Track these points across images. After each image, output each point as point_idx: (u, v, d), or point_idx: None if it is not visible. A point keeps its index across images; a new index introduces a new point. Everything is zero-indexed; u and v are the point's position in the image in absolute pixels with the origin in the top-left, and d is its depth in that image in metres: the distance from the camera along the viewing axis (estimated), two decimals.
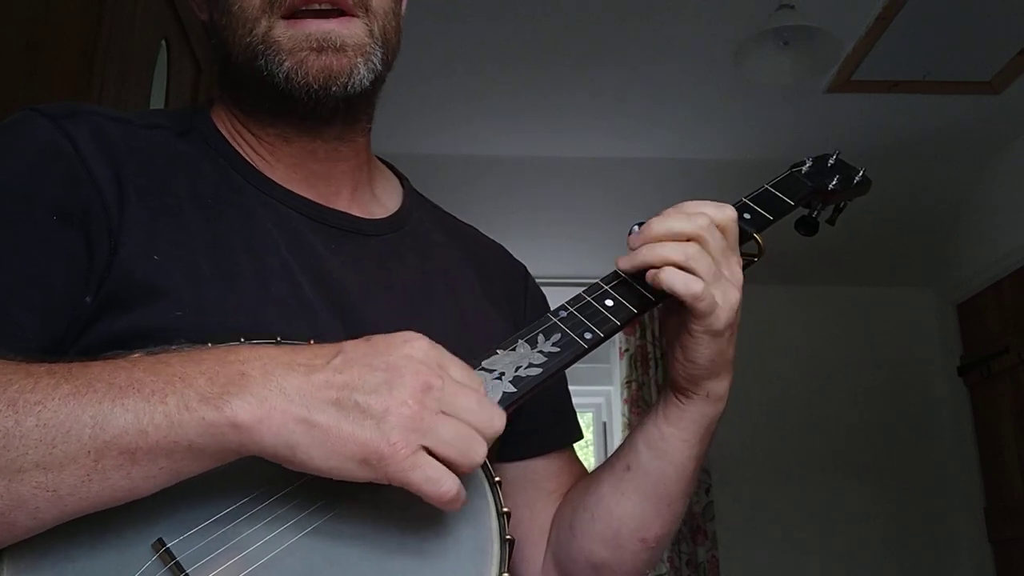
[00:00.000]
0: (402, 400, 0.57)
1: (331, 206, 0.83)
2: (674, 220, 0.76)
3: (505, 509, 0.65)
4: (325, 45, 0.76)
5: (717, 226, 0.76)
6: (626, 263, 0.76)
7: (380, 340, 0.61)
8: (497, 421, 0.60)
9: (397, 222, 0.88)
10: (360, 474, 0.56)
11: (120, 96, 1.73)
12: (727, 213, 0.78)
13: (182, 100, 2.08)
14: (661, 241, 0.75)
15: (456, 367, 0.61)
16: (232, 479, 0.61)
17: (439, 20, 2.89)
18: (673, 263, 0.73)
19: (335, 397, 0.57)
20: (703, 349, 0.77)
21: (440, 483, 0.56)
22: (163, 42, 1.99)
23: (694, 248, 0.74)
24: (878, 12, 2.86)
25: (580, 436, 0.97)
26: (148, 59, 1.91)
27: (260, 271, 0.74)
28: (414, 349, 0.60)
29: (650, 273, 0.74)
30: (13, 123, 0.74)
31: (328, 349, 0.60)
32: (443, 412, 0.58)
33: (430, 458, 0.57)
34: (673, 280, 0.73)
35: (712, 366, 0.78)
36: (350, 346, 0.60)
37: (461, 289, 0.89)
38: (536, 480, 0.92)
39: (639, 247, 0.76)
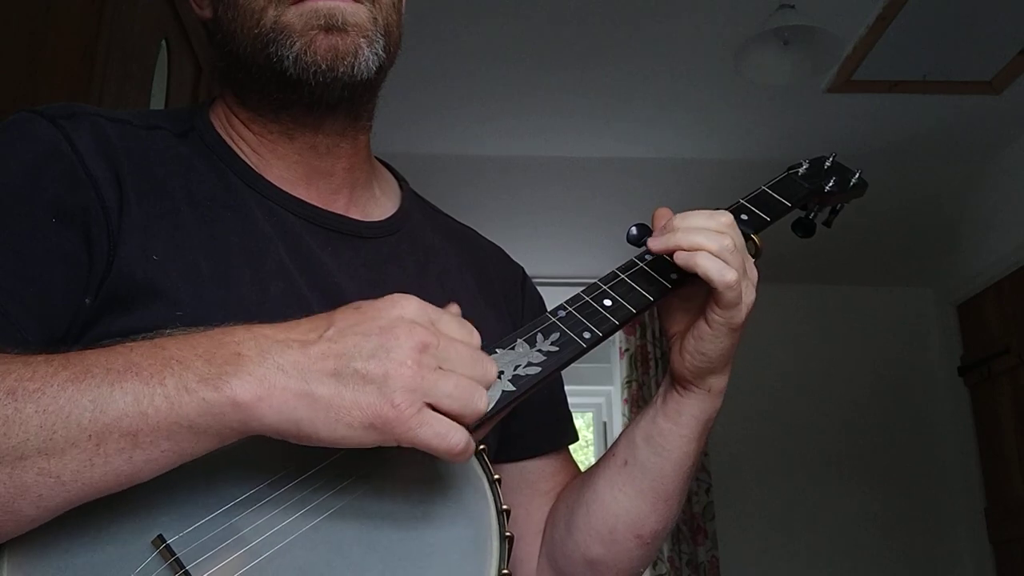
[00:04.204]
0: (400, 361, 0.57)
1: (329, 208, 0.83)
2: (698, 217, 0.76)
3: (505, 507, 0.65)
4: (331, 23, 0.76)
5: None
6: (658, 244, 0.76)
7: (369, 306, 0.61)
8: (491, 372, 0.62)
9: (395, 224, 0.88)
10: (368, 439, 0.57)
11: (120, 96, 1.73)
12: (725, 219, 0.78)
13: (182, 100, 2.08)
14: (692, 228, 0.75)
15: (447, 321, 0.62)
16: (234, 474, 0.61)
17: (439, 20, 2.89)
18: (707, 250, 0.74)
19: (333, 368, 0.57)
20: (719, 342, 0.78)
21: (448, 436, 0.57)
22: (163, 42, 1.99)
23: (728, 240, 0.75)
24: (878, 12, 2.86)
25: (576, 437, 0.98)
26: (148, 59, 1.91)
27: (258, 273, 0.75)
28: (404, 310, 0.60)
29: (681, 256, 0.75)
30: (11, 124, 0.74)
31: (319, 322, 0.60)
32: (441, 368, 0.58)
33: (435, 414, 0.57)
34: (708, 265, 0.73)
35: (721, 360, 0.79)
36: (340, 316, 0.60)
37: (458, 292, 0.89)
38: (532, 480, 0.92)
39: (671, 231, 0.76)
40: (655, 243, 0.77)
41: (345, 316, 0.60)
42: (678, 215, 0.77)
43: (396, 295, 0.62)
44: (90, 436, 0.54)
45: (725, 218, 0.76)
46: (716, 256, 0.74)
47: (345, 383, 0.57)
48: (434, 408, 0.58)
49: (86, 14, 1.66)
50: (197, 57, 2.16)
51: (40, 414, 0.54)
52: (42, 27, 1.64)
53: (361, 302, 0.62)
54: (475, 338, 0.63)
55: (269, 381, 0.56)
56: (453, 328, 0.61)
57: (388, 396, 0.56)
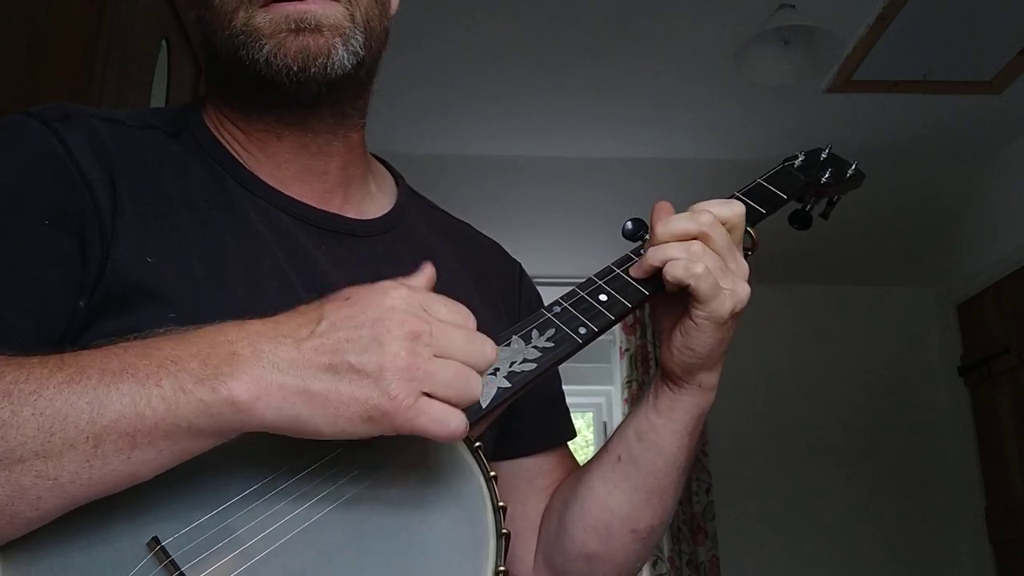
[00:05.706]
0: (394, 353, 0.57)
1: (324, 207, 0.83)
2: (676, 222, 0.77)
3: (501, 503, 0.65)
4: (302, 26, 0.75)
5: (724, 222, 0.78)
6: (637, 272, 0.79)
7: (359, 297, 0.60)
8: (489, 352, 0.61)
9: (391, 221, 0.88)
10: (367, 431, 0.57)
11: (120, 96, 1.73)
12: (734, 210, 0.79)
13: (182, 100, 2.08)
14: (666, 243, 0.76)
15: (440, 306, 0.62)
16: (228, 475, 0.61)
17: (439, 20, 2.89)
18: (674, 259, 0.75)
19: (327, 362, 0.57)
20: (705, 338, 0.78)
21: (447, 423, 0.58)
22: (163, 42, 1.99)
23: (697, 246, 0.75)
24: (878, 12, 2.86)
25: (573, 434, 0.98)
26: (148, 59, 1.91)
27: (253, 273, 0.75)
28: (395, 299, 0.60)
29: (663, 273, 0.76)
30: (5, 127, 0.74)
31: (310, 315, 0.60)
32: (436, 356, 0.59)
33: (432, 401, 0.58)
34: (675, 270, 0.75)
35: (710, 356, 0.79)
36: (331, 308, 0.60)
37: (455, 289, 0.88)
38: (530, 477, 0.92)
39: (647, 252, 0.78)
40: (634, 271, 0.79)
41: (336, 308, 0.60)
42: (662, 220, 0.78)
43: (386, 283, 0.61)
44: (88, 438, 0.55)
45: (704, 217, 0.77)
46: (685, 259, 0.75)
47: (341, 377, 0.57)
48: (430, 395, 0.58)
49: (86, 14, 1.66)
50: (197, 57, 2.16)
51: (37, 416, 0.54)
52: (42, 27, 1.65)
53: (351, 291, 0.61)
54: (470, 320, 0.63)
55: (266, 379, 0.56)
56: (445, 312, 0.61)
57: (384, 388, 0.56)
